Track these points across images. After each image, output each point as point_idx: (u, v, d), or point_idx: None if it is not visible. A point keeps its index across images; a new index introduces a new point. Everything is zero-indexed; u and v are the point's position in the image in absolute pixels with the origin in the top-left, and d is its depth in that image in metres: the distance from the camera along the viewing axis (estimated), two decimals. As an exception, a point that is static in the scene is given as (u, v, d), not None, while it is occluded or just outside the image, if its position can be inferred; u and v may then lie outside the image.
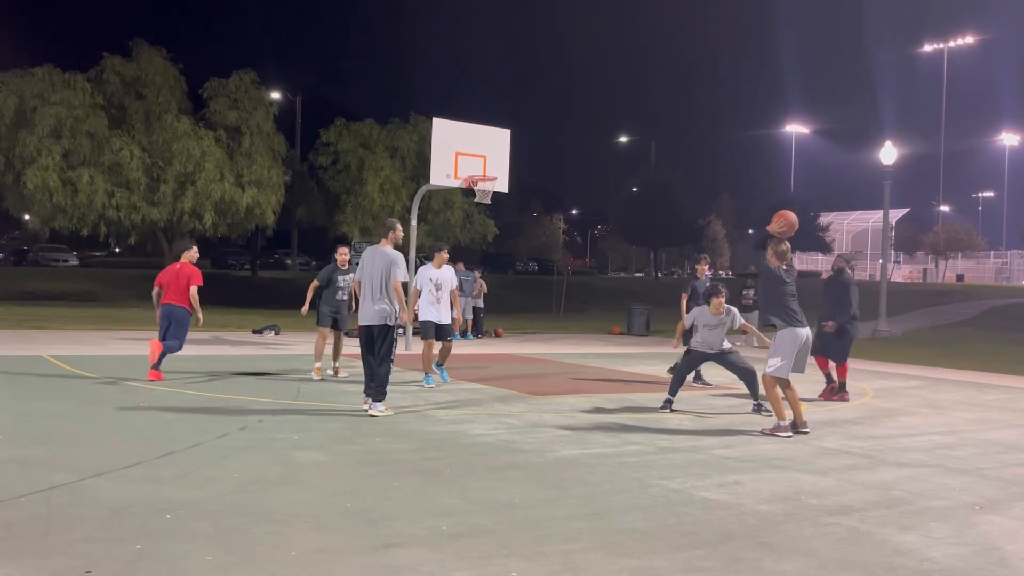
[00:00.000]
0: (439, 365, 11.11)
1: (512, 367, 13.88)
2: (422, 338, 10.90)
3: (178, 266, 10.57)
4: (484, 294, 21.35)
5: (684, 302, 11.70)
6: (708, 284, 11.69)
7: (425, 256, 14.22)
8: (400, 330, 8.66)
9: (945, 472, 6.80)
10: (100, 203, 23.47)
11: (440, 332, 10.82)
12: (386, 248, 8.58)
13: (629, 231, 60.28)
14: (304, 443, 6.94)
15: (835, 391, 10.99)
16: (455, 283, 10.99)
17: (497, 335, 21.21)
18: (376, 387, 8.36)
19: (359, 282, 8.70)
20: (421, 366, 10.97)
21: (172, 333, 10.30)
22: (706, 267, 12.20)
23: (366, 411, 8.36)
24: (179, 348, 10.41)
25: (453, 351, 15.08)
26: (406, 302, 8.81)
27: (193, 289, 10.31)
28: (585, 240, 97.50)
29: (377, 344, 8.38)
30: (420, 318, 10.78)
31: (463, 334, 20.50)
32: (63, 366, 11.52)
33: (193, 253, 10.75)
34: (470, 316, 20.85)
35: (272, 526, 4.66)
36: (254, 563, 4.08)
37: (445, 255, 10.91)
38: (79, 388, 9.64)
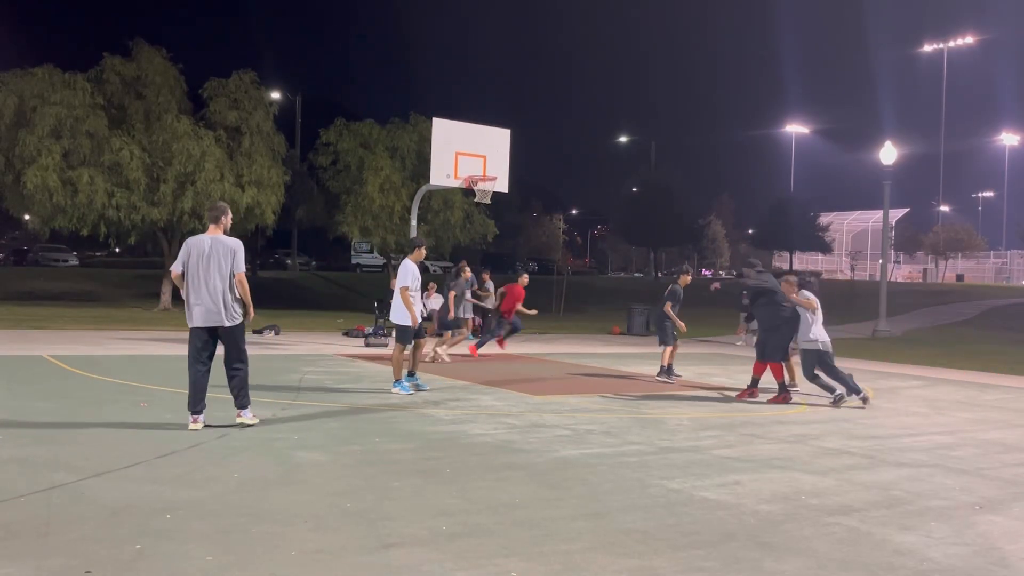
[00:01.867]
0: (411, 374, 10.33)
1: (512, 367, 13.88)
2: (401, 341, 10.02)
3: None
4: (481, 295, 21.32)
5: (669, 309, 12.49)
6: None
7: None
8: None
9: (945, 472, 6.79)
10: (100, 203, 23.45)
11: (420, 331, 10.12)
12: (223, 236, 7.48)
13: (629, 231, 60.29)
14: (304, 443, 6.94)
15: (752, 393, 10.80)
16: None
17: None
18: (241, 393, 7.51)
19: (180, 275, 7.39)
20: (418, 365, 10.53)
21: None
22: (688, 278, 12.97)
23: (186, 426, 7.30)
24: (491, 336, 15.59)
25: (453, 351, 15.13)
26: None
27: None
28: (585, 240, 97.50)
29: (232, 345, 7.46)
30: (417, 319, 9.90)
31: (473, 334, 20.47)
32: (63, 366, 11.51)
33: (524, 278, 15.73)
34: (470, 315, 20.83)
35: (272, 526, 4.66)
36: (254, 563, 4.08)
37: (424, 250, 10.34)
38: (79, 388, 9.64)
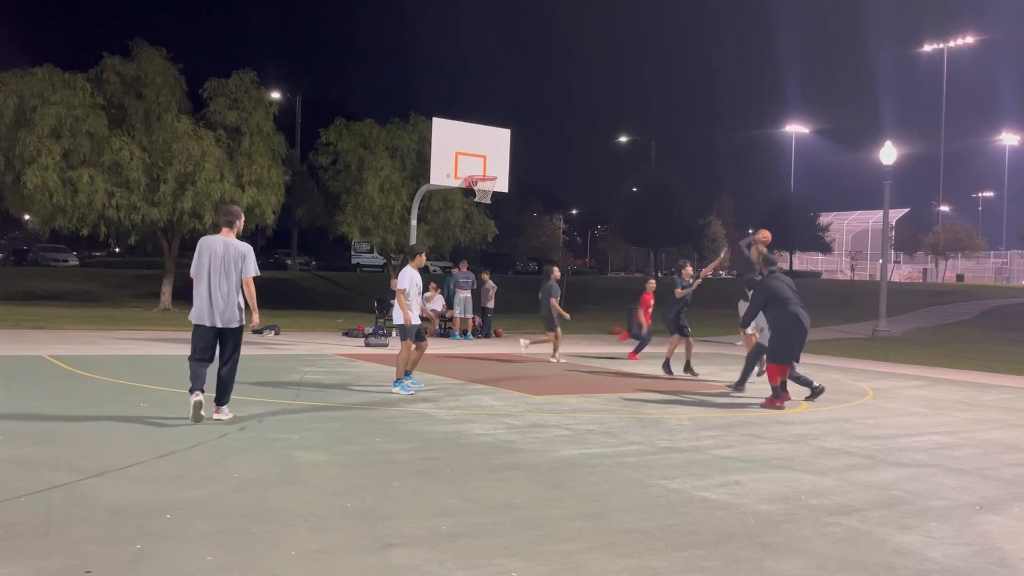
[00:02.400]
0: (407, 373, 10.39)
1: (512, 367, 13.88)
2: (405, 339, 10.19)
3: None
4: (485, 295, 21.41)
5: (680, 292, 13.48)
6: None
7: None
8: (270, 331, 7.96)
9: (945, 472, 6.80)
10: (100, 203, 23.44)
11: (421, 332, 10.38)
12: (235, 240, 7.74)
13: (629, 231, 60.34)
14: (304, 443, 6.94)
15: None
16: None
17: (497, 335, 21.22)
18: (225, 392, 7.77)
19: (198, 275, 7.64)
20: (415, 365, 10.62)
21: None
22: (690, 269, 13.92)
23: (187, 423, 7.54)
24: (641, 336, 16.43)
25: (454, 351, 15.13)
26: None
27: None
28: (585, 240, 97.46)
29: (231, 346, 7.71)
30: (413, 321, 10.05)
31: (463, 334, 20.52)
32: (63, 366, 11.52)
33: (651, 284, 17.23)
34: (470, 315, 20.89)
35: (272, 526, 4.66)
36: (254, 563, 4.08)
37: (424, 256, 10.51)
38: (79, 388, 9.64)
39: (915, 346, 21.99)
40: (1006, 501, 5.93)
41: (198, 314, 7.58)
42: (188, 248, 52.28)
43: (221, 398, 7.84)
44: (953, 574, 4.34)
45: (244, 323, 7.75)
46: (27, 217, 27.35)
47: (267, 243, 45.40)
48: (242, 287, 7.66)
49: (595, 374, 13.41)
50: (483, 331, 21.13)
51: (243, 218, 7.96)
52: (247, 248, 7.70)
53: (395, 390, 10.03)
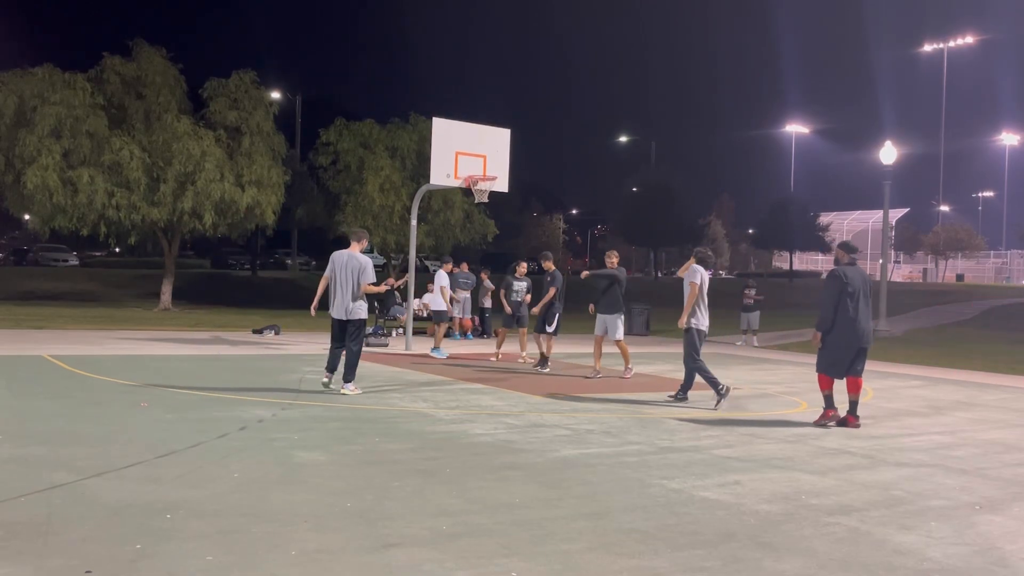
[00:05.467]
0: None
1: (512, 367, 13.88)
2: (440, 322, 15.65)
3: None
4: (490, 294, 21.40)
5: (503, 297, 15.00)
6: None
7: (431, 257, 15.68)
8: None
9: (945, 472, 6.80)
10: (100, 203, 23.42)
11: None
12: (358, 254, 9.94)
13: (629, 231, 60.37)
14: (304, 443, 6.94)
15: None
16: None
17: (497, 335, 21.20)
18: (348, 370, 9.83)
19: (326, 278, 9.94)
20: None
21: None
22: (525, 269, 15.16)
23: (337, 391, 9.73)
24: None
25: (454, 351, 15.13)
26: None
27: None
28: (585, 240, 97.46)
29: (350, 334, 9.80)
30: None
31: (463, 334, 20.51)
32: (63, 366, 11.52)
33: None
34: (469, 316, 20.88)
35: (272, 526, 4.66)
36: (254, 563, 4.08)
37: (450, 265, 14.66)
38: (79, 388, 9.64)
39: (915, 346, 21.98)
40: (1006, 501, 5.93)
41: (331, 309, 9.82)
42: (188, 248, 51.98)
43: (346, 374, 9.74)
44: (953, 574, 4.34)
45: (362, 316, 9.75)
46: (27, 217, 27.31)
47: (267, 243, 45.37)
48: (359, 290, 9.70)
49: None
50: (482, 331, 21.12)
51: (367, 238, 10.25)
52: (366, 260, 9.82)
53: (433, 355, 14.10)
